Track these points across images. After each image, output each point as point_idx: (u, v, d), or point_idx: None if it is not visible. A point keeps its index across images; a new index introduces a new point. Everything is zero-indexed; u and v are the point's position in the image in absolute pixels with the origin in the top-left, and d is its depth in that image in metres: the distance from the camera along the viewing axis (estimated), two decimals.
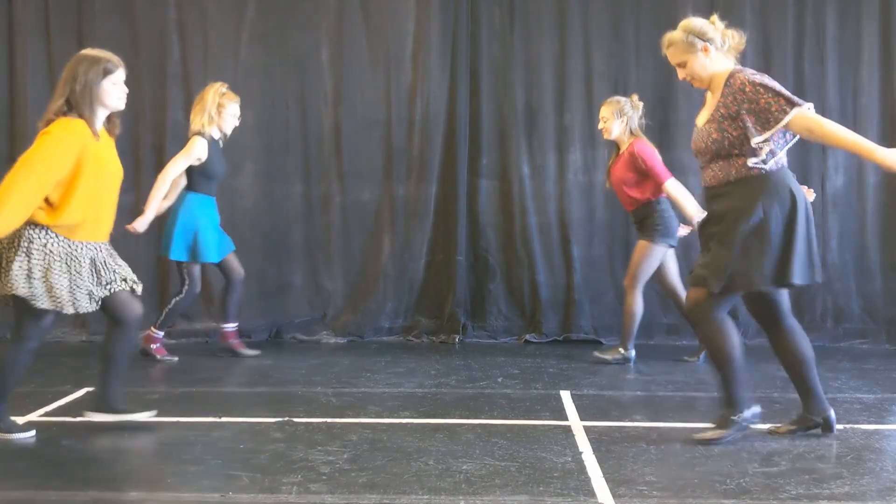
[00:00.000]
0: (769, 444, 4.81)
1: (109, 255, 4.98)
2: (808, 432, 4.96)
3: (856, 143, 4.61)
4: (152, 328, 7.21)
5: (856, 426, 5.23)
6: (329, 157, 8.49)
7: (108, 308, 4.96)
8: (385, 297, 8.47)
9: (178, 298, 7.17)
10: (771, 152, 4.69)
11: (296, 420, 5.30)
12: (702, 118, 4.90)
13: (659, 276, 7.16)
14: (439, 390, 6.22)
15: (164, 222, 7.27)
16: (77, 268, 4.79)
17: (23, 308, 4.78)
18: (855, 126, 7.79)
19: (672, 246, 7.10)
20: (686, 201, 6.84)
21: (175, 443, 4.88)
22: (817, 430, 4.96)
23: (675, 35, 4.87)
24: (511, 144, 8.48)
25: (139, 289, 5.04)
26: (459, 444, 4.80)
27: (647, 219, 7.05)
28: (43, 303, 4.73)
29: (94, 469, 4.49)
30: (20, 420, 5.09)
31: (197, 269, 7.19)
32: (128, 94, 4.99)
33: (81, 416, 5.18)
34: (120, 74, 4.91)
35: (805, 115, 4.63)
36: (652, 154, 7.02)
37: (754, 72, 4.79)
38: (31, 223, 4.73)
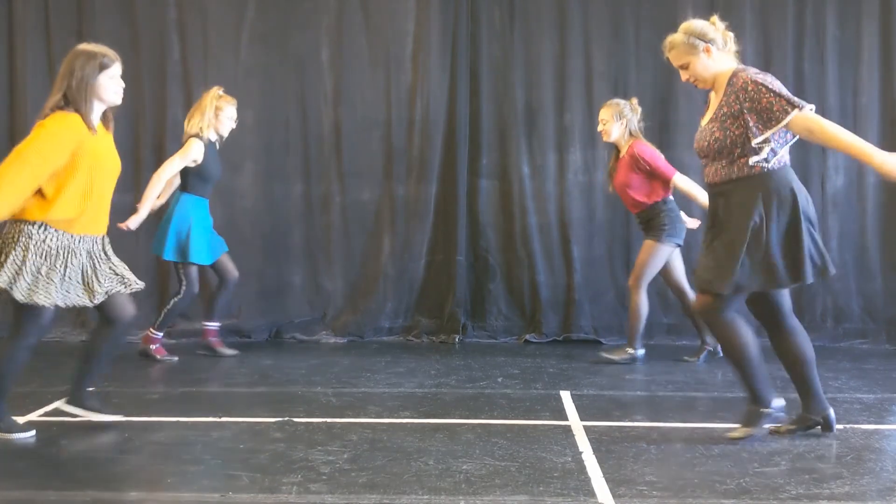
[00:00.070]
0: (769, 444, 4.81)
1: (107, 253, 4.98)
2: (808, 432, 4.97)
3: (855, 147, 4.61)
4: (151, 329, 7.21)
5: (856, 426, 5.23)
6: (329, 157, 8.49)
7: (104, 306, 4.97)
8: (385, 297, 8.47)
9: (176, 299, 7.17)
10: (772, 151, 4.70)
11: (296, 420, 5.30)
12: (706, 118, 4.91)
13: (665, 275, 7.17)
14: (439, 390, 6.22)
15: (158, 221, 7.27)
16: (73, 261, 4.79)
17: (21, 304, 4.77)
18: (855, 126, 7.80)
19: (678, 245, 7.11)
20: (697, 192, 6.86)
21: (175, 443, 4.88)
22: (817, 429, 4.97)
23: (676, 38, 4.88)
24: (511, 144, 8.48)
25: (139, 286, 5.04)
26: (459, 444, 4.80)
27: (653, 219, 7.05)
28: (37, 299, 4.72)
29: (94, 469, 4.48)
30: (20, 420, 5.08)
31: (194, 271, 7.19)
32: (128, 94, 4.99)
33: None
34: (116, 69, 4.89)
35: (806, 116, 4.64)
36: (653, 153, 7.03)
37: (757, 71, 4.79)
38: (30, 220, 4.73)
